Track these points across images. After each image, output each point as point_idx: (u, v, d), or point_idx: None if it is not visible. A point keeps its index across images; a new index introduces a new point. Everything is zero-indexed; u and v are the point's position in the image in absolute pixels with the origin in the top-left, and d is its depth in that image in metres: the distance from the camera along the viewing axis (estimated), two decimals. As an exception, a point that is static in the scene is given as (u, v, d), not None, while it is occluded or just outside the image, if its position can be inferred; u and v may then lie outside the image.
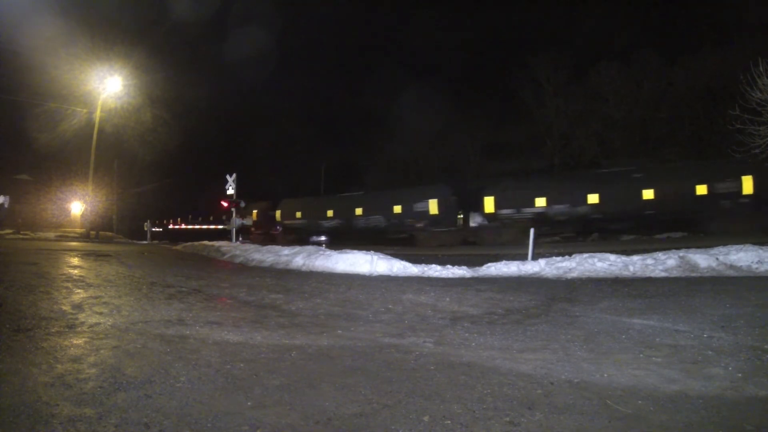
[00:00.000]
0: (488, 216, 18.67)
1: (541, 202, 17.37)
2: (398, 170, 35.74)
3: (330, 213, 23.56)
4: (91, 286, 5.86)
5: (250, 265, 9.86)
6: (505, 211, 18.03)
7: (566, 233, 17.47)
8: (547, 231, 16.90)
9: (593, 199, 16.34)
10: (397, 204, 20.61)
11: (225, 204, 15.39)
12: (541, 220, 16.84)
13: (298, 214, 25.37)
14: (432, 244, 18.61)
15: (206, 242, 15.01)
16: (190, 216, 36.47)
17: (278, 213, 26.21)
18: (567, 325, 3.97)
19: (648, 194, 15.54)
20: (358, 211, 22.44)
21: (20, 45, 20.77)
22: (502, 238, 17.49)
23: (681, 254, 7.08)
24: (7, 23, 19.14)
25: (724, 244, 7.40)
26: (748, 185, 14.25)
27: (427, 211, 19.43)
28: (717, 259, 6.82)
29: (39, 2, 21.24)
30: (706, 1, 29.47)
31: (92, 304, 4.65)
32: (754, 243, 7.25)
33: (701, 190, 14.62)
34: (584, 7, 41.73)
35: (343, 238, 20.94)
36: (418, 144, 34.87)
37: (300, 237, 23.47)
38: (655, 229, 16.08)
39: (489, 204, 18.40)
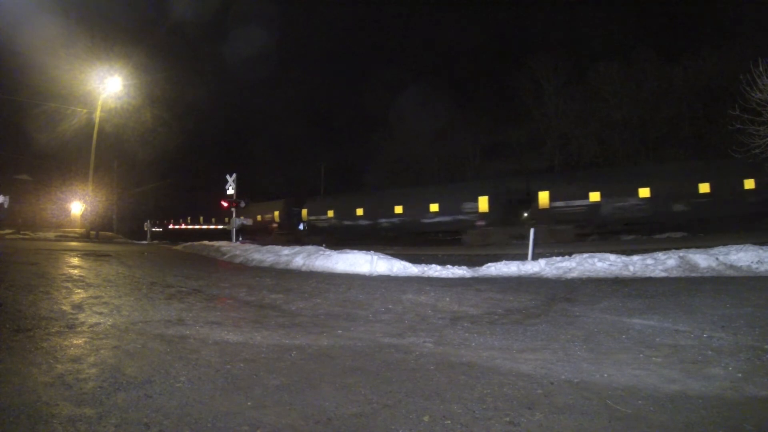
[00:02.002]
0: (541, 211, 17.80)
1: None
2: (398, 170, 35.75)
3: (364, 211, 21.08)
4: (91, 286, 5.86)
5: (250, 265, 9.86)
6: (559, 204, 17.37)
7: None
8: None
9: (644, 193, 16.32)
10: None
11: (225, 204, 15.39)
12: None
13: (330, 213, 23.61)
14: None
15: (206, 242, 15.02)
16: (189, 218, 36.41)
17: (304, 212, 24.73)
18: (567, 325, 3.97)
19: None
20: (433, 207, 20.17)
21: (20, 45, 20.80)
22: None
23: (681, 254, 7.08)
24: (7, 23, 19.15)
25: (724, 244, 7.40)
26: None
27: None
28: (717, 259, 6.82)
29: (39, 2, 21.24)
30: (706, 1, 29.45)
31: (92, 304, 4.65)
32: (754, 243, 7.25)
33: (749, 184, 14.72)
34: (584, 7, 41.75)
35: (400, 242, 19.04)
36: (418, 144, 34.88)
37: (342, 238, 21.13)
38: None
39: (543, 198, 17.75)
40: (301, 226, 25.01)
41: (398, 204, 21.26)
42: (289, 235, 24.19)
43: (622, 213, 16.24)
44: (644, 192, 15.99)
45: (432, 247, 17.18)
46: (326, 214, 23.67)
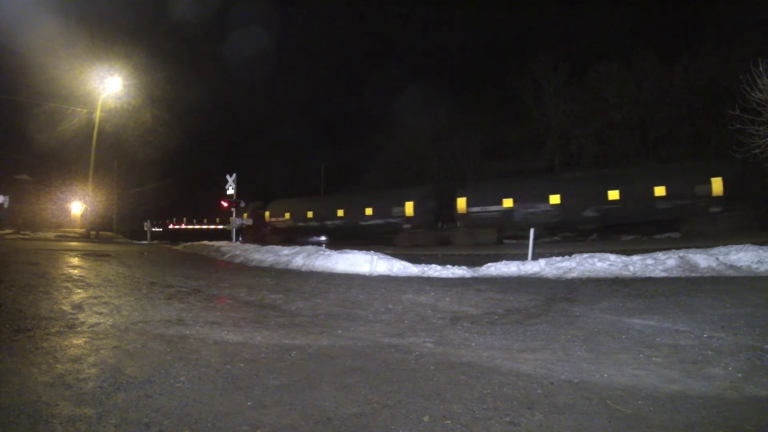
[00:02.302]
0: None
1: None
2: (398, 170, 35.75)
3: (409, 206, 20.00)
4: (91, 286, 5.86)
5: (250, 265, 9.86)
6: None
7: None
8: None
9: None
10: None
11: (225, 204, 15.41)
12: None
13: (287, 215, 24.59)
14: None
15: (206, 242, 15.02)
16: (187, 219, 36.48)
17: (267, 214, 25.47)
18: (567, 325, 3.97)
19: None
20: (368, 211, 21.32)
21: (20, 45, 20.79)
22: None
23: (681, 254, 7.08)
24: (7, 23, 19.14)
25: (724, 244, 7.40)
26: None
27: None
28: (717, 259, 6.82)
29: (39, 2, 21.24)
30: (706, 1, 29.47)
31: (92, 304, 4.65)
32: (754, 243, 7.25)
33: (659, 191, 15.76)
34: (584, 7, 41.73)
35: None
36: (418, 144, 34.89)
37: (294, 237, 22.63)
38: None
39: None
40: (266, 228, 26.78)
41: (340, 208, 23.06)
42: (255, 235, 25.83)
43: (535, 218, 17.05)
44: (555, 198, 16.97)
45: (367, 245, 18.38)
46: (284, 216, 25.44)
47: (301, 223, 24.56)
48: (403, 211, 20.27)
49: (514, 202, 17.76)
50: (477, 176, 30.24)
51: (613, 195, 16.18)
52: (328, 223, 23.21)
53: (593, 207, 16.48)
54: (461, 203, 18.75)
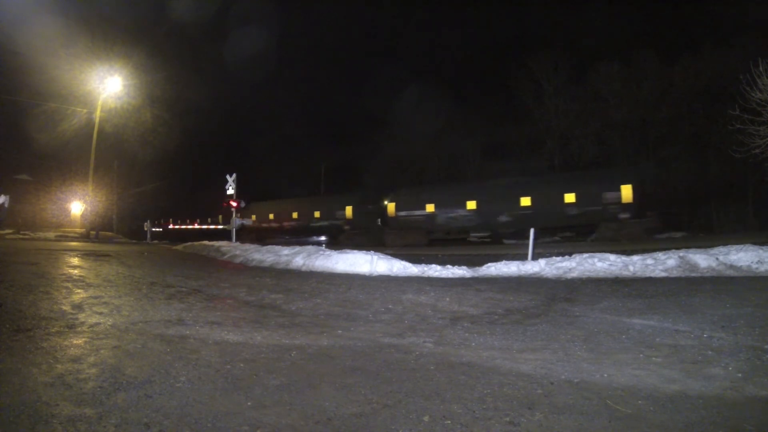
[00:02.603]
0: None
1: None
2: (398, 170, 35.73)
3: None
4: (91, 286, 5.86)
5: (250, 265, 9.86)
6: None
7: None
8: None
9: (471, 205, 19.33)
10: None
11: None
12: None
13: (253, 217, 24.81)
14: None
15: (206, 242, 15.01)
16: (187, 219, 36.49)
17: (391, 206, 24.30)
18: (567, 325, 3.97)
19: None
20: (317, 214, 24.76)
21: (20, 45, 20.78)
22: None
23: (681, 254, 7.09)
24: (7, 23, 19.14)
25: (724, 244, 7.40)
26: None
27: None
28: (717, 259, 6.82)
29: (39, 2, 21.23)
30: (706, 1, 29.46)
31: (92, 304, 4.65)
32: (754, 243, 7.25)
33: (569, 198, 17.06)
34: (584, 7, 41.75)
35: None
36: (418, 144, 34.89)
37: (260, 237, 24.14)
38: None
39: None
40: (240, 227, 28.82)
41: (294, 211, 26.34)
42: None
43: (455, 222, 19.01)
44: (471, 204, 18.62)
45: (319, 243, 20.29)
46: (251, 217, 27.04)
47: (264, 224, 27.22)
48: (344, 215, 22.78)
49: (436, 207, 19.40)
50: (445, 180, 31.68)
51: (525, 201, 17.55)
52: (285, 223, 26.65)
53: (507, 212, 17.87)
54: (391, 207, 20.69)
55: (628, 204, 15.79)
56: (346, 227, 22.61)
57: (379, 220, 21.73)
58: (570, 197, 16.75)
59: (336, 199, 25.16)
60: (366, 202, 22.54)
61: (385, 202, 21.46)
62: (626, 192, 15.79)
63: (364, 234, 21.36)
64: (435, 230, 19.81)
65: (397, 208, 20.42)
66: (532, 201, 17.42)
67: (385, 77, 56.24)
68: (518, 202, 17.58)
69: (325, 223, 23.98)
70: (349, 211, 22.77)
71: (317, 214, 24.73)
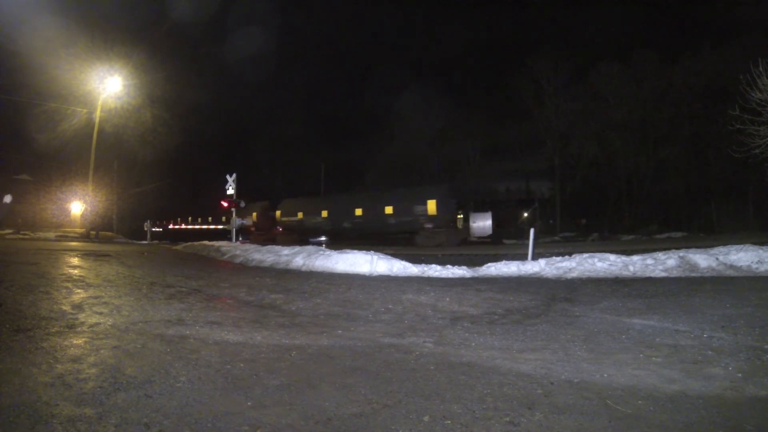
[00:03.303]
0: None
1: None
2: (398, 170, 35.75)
3: None
4: (91, 286, 5.86)
5: (250, 265, 9.86)
6: None
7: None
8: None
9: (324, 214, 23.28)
10: None
11: (225, 204, 15.41)
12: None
13: (298, 216, 26.05)
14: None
15: (206, 242, 15.03)
16: (188, 219, 36.50)
17: (278, 213, 26.62)
18: (567, 325, 3.97)
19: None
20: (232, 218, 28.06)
21: (20, 45, 20.78)
22: None
23: (681, 254, 7.08)
24: (7, 23, 19.14)
25: (724, 244, 7.40)
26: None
27: None
28: (717, 259, 6.82)
29: (39, 2, 21.24)
30: (707, 1, 29.45)
31: (92, 304, 4.65)
32: (754, 243, 7.25)
33: (388, 210, 20.39)
34: (584, 8, 41.75)
35: None
36: (418, 144, 34.91)
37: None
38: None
39: None
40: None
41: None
42: (267, 234, 29.10)
43: (315, 226, 23.27)
44: (324, 213, 22.90)
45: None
46: (251, 217, 29.46)
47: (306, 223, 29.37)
48: (251, 219, 26.09)
49: (303, 214, 24.00)
50: (377, 187, 33.00)
51: (358, 212, 21.40)
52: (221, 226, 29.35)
53: (347, 220, 21.84)
54: (278, 214, 25.21)
55: (432, 216, 18.72)
56: (253, 229, 25.80)
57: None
58: (389, 209, 20.20)
59: (248, 207, 26.52)
60: (267, 208, 26.85)
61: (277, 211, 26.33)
62: (431, 206, 18.73)
63: (263, 235, 24.93)
64: (304, 233, 23.97)
65: (282, 214, 25.33)
66: (363, 212, 21.34)
67: (385, 77, 56.37)
68: (354, 212, 21.63)
69: (238, 223, 26.63)
70: (254, 216, 26.19)
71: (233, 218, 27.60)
